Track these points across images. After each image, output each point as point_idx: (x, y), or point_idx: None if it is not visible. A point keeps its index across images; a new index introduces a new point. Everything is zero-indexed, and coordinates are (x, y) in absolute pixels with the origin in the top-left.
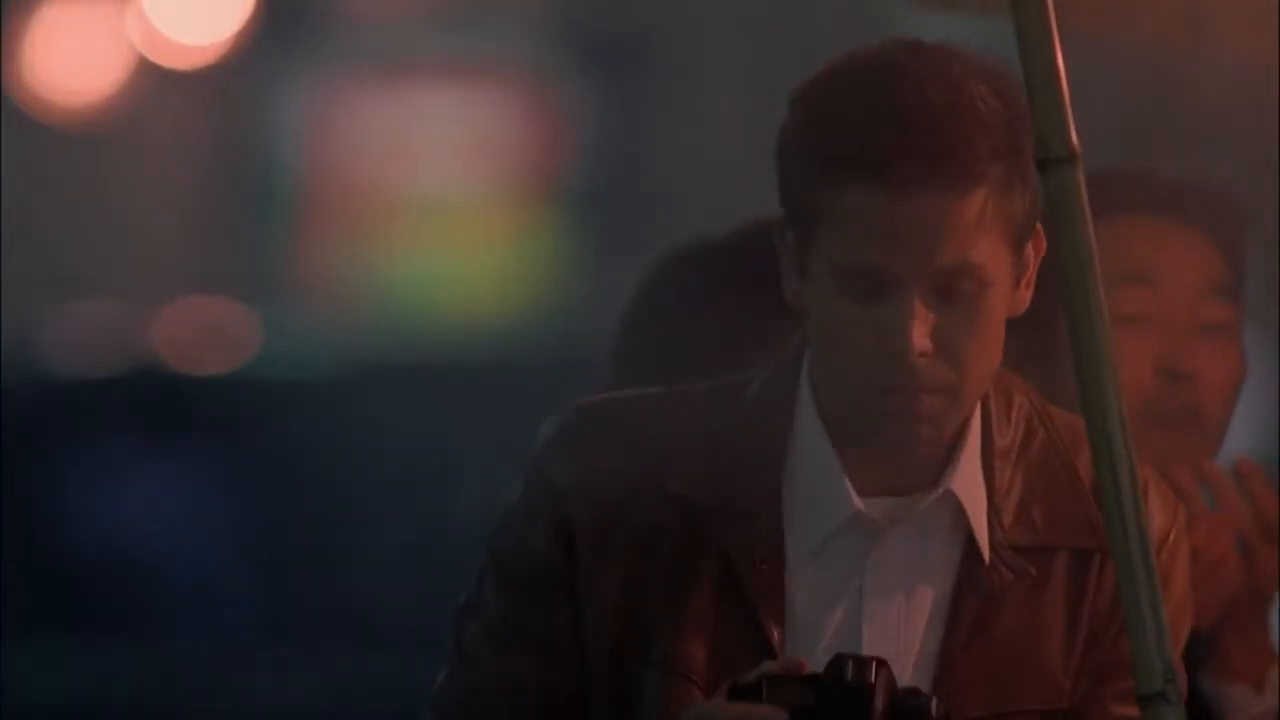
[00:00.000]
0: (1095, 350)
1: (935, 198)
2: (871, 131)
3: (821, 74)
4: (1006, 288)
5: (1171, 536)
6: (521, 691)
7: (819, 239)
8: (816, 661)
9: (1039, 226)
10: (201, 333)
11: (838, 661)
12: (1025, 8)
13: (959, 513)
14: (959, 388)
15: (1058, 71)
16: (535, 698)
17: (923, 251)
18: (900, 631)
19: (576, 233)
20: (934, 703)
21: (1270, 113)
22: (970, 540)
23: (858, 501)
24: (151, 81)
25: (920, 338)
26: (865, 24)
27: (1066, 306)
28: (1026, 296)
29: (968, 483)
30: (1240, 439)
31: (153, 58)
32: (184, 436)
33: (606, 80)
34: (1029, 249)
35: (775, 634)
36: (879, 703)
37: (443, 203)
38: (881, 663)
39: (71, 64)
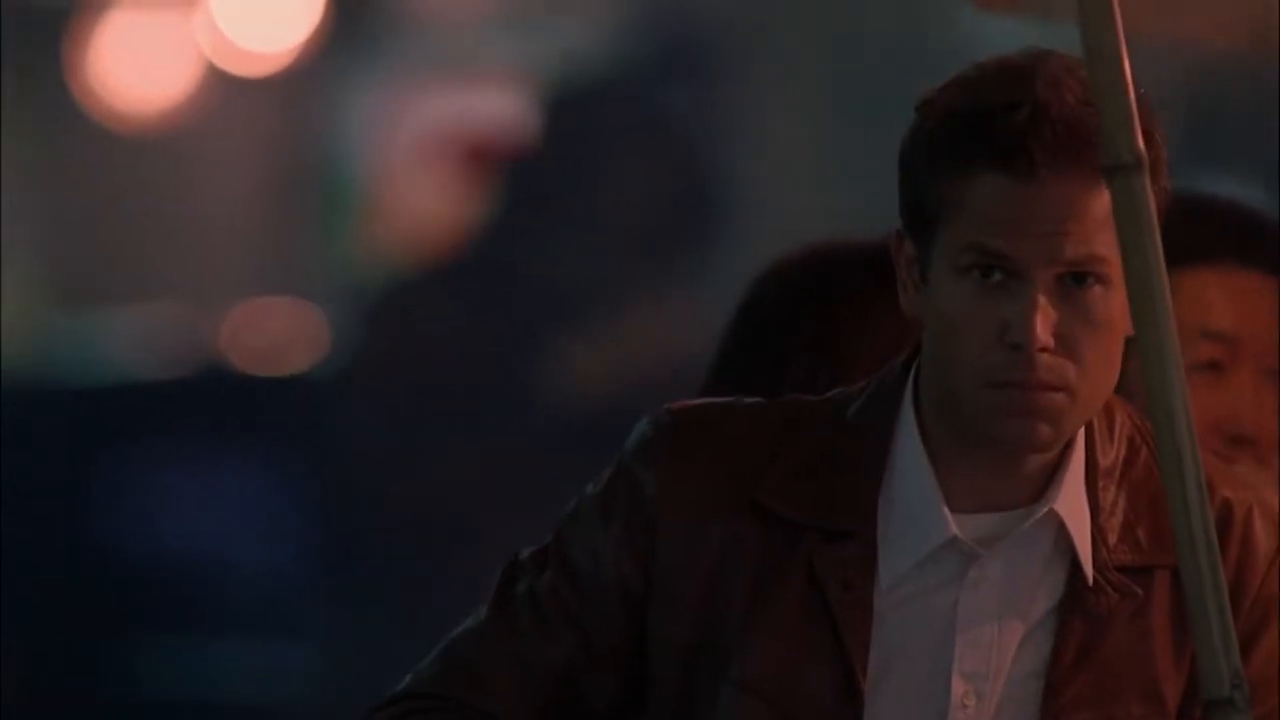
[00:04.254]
0: (1162, 356)
1: (1066, 186)
2: (1005, 119)
3: (949, 80)
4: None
5: None
6: (545, 671)
7: (941, 238)
8: (903, 679)
9: None
10: (269, 335)
11: None
12: (1092, 12)
13: (1061, 533)
14: (1078, 388)
15: (1125, 76)
16: (555, 682)
17: (1050, 240)
18: (992, 653)
19: (643, 235)
20: None
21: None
22: (1073, 561)
23: (954, 526)
24: (220, 89)
25: (1043, 331)
26: (929, 28)
27: (1134, 314)
28: None
29: (1071, 503)
30: None
31: (222, 65)
32: (252, 438)
33: (678, 84)
34: None
35: (859, 655)
36: None
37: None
38: None
39: (140, 71)
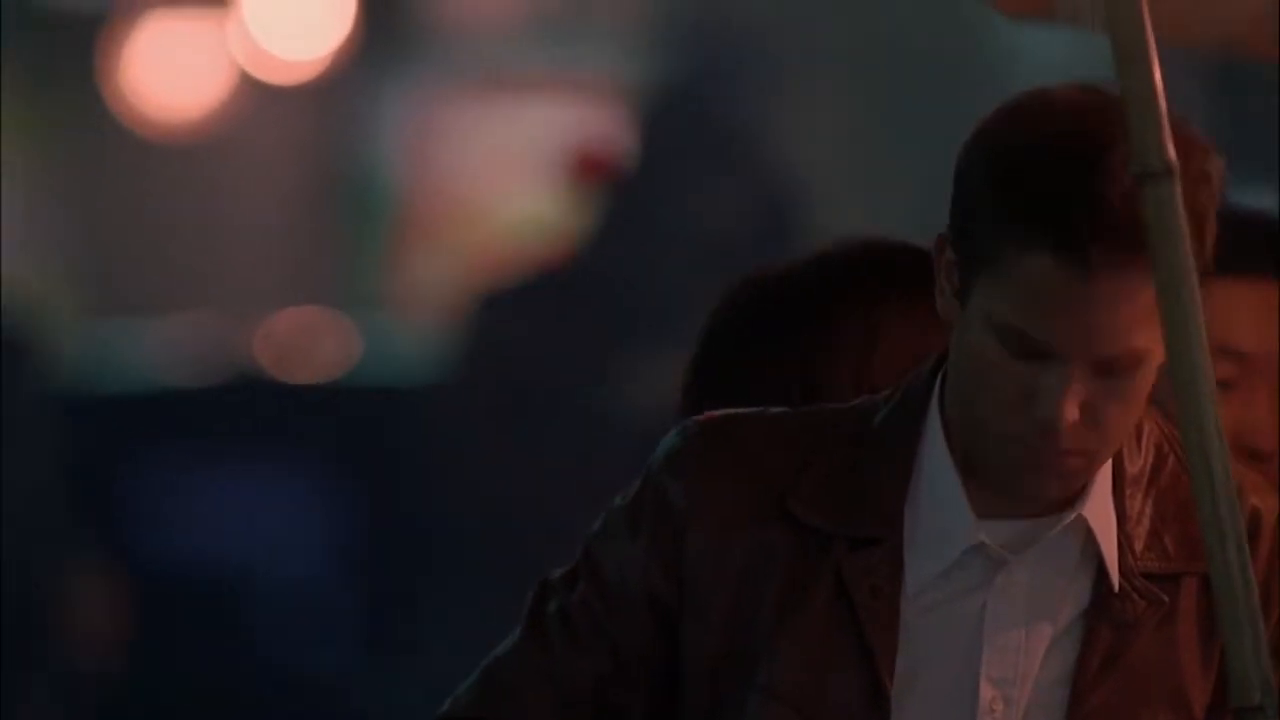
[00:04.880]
0: (1191, 367)
1: (1118, 281)
2: (1064, 207)
3: (1010, 116)
4: (1161, 357)
5: None
6: (578, 685)
7: (984, 281)
8: (930, 685)
9: None
10: (300, 342)
11: None
12: (1122, 20)
13: (1089, 540)
14: (1098, 451)
15: (1154, 84)
16: (589, 696)
17: (1093, 334)
18: (1019, 658)
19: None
20: None
21: None
22: (1100, 568)
23: (981, 534)
24: (253, 97)
25: (1071, 409)
26: (960, 34)
27: (1164, 324)
28: None
29: (1098, 510)
30: None
31: (255, 73)
32: (284, 445)
33: (705, 92)
34: None
35: (886, 662)
36: None
37: (539, 215)
38: None
39: (174, 79)
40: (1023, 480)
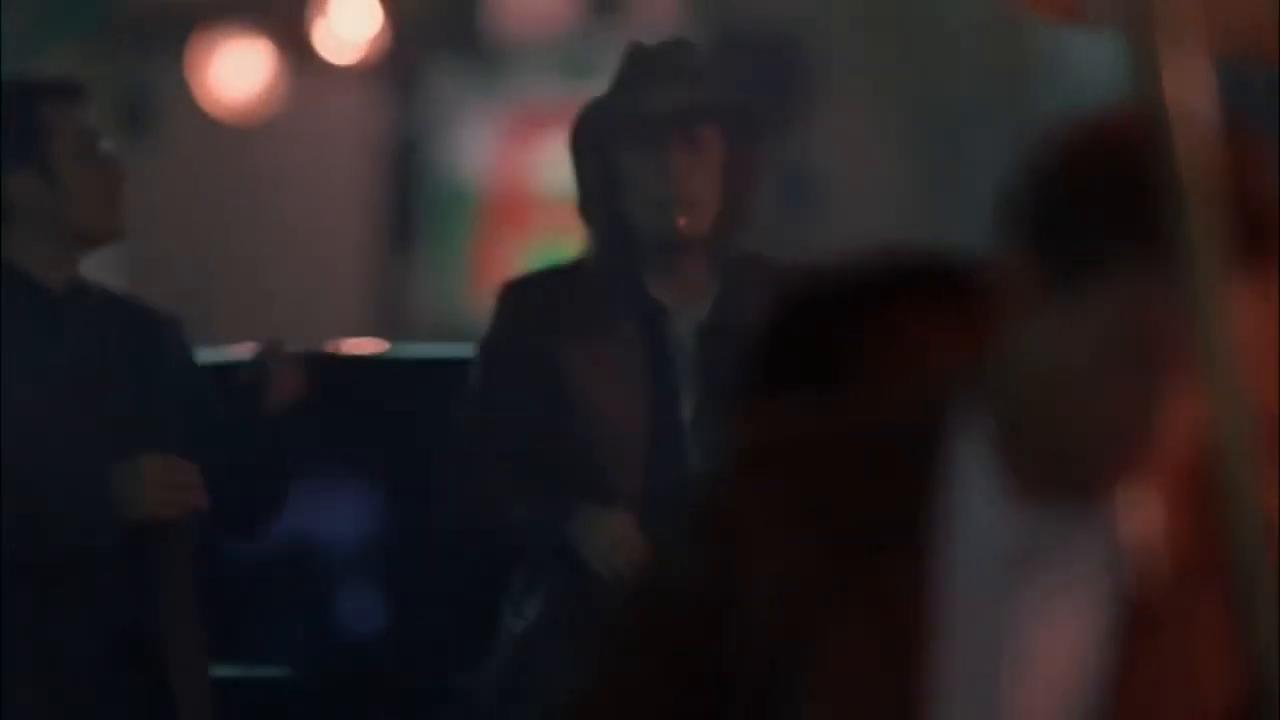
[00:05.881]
0: (1220, 370)
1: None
2: (1138, 221)
3: (1112, 134)
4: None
5: None
6: (642, 696)
7: (1080, 295)
8: (967, 684)
9: None
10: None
11: None
12: (1134, 27)
13: (1119, 538)
14: (1160, 455)
15: (1161, 91)
16: (652, 705)
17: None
18: (1051, 656)
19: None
20: None
21: None
22: (1130, 566)
23: (1018, 535)
24: (314, 85)
25: (1157, 425)
26: (991, 38)
27: (1195, 324)
28: None
29: (1133, 509)
30: None
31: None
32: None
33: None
34: None
35: (925, 665)
36: None
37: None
38: None
39: (251, 72)
40: (1073, 470)
